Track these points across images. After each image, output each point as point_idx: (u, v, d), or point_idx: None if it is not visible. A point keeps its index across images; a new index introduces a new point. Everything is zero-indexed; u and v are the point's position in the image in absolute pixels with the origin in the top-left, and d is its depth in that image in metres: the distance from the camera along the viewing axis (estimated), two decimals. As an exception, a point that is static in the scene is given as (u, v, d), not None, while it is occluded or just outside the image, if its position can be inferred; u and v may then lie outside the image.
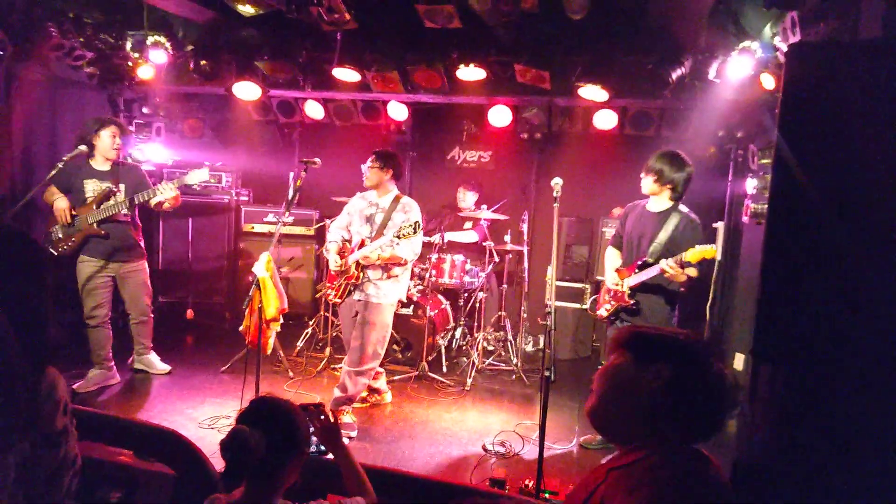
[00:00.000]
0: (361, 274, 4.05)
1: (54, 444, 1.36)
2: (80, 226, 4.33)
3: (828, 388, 1.53)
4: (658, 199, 3.81)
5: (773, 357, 1.58)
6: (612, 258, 4.07)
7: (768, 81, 4.33)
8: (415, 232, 3.81)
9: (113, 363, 4.60)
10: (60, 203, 4.27)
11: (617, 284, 3.83)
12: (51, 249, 4.31)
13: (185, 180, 4.43)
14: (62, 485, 1.37)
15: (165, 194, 4.38)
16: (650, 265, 3.67)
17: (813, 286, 1.51)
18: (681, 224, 3.69)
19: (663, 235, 3.70)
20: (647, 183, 3.78)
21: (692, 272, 3.49)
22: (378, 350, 4.12)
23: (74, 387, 4.37)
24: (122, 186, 4.46)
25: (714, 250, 3.40)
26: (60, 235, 4.32)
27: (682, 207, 3.78)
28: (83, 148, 4.30)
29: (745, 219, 5.32)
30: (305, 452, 1.73)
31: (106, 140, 4.36)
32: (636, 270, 3.73)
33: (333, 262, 4.12)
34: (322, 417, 1.96)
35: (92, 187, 4.38)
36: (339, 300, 4.15)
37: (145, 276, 4.66)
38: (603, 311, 3.96)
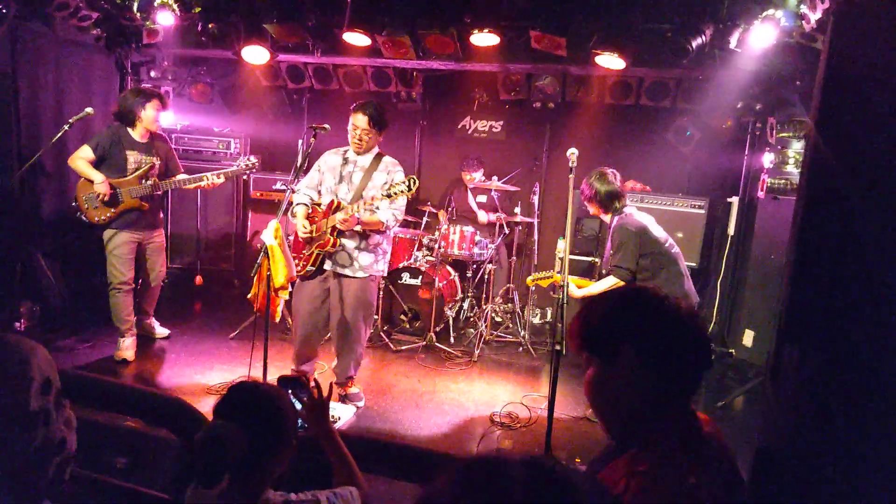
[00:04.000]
0: (337, 241, 3.66)
1: (26, 427, 1.25)
2: (122, 199, 4.34)
3: (860, 372, 1.47)
4: (603, 216, 3.88)
5: (803, 338, 1.52)
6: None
7: (792, 51, 4.19)
8: (408, 190, 3.44)
9: (135, 332, 4.61)
10: (102, 189, 4.24)
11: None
12: (83, 218, 4.33)
13: (234, 171, 4.63)
14: (45, 471, 1.25)
15: (210, 180, 4.52)
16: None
17: (849, 270, 1.44)
18: (616, 226, 3.75)
19: (607, 246, 3.83)
20: (590, 208, 3.89)
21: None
22: (367, 329, 3.90)
23: (122, 356, 4.41)
24: (158, 161, 4.52)
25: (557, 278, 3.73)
26: (97, 207, 4.30)
27: (626, 210, 3.80)
28: (90, 110, 4.27)
29: (760, 193, 5.22)
30: (294, 442, 1.55)
31: (150, 112, 4.40)
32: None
33: (302, 228, 3.72)
34: (309, 391, 1.78)
35: (134, 159, 4.40)
36: (312, 268, 3.72)
37: (163, 244, 4.76)
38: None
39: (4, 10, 4.50)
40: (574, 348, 1.28)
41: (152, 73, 6.22)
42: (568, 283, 3.15)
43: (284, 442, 1.51)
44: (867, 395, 1.36)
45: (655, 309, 1.23)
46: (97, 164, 4.31)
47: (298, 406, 1.73)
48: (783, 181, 4.98)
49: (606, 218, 3.85)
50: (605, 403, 1.27)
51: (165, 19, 5.16)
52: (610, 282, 3.65)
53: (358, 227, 3.65)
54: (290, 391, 1.73)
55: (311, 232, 3.70)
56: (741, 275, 5.51)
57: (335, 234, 3.64)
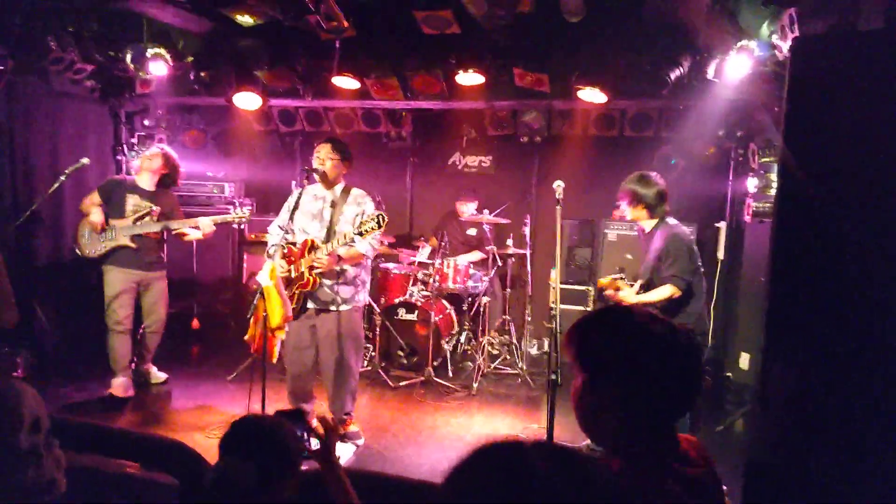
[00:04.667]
0: (317, 280, 3.66)
1: (16, 466, 1.25)
2: (114, 236, 4.49)
3: (841, 386, 1.52)
4: (645, 220, 3.79)
5: (784, 355, 1.57)
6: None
7: (767, 80, 4.34)
8: (378, 226, 3.44)
9: (130, 367, 4.68)
10: (95, 218, 4.47)
11: (615, 290, 3.76)
12: (76, 250, 4.52)
13: (226, 218, 4.69)
14: None
15: (192, 232, 4.65)
16: (638, 285, 3.72)
17: (824, 282, 1.50)
18: (668, 236, 3.64)
19: (651, 255, 3.69)
20: (627, 210, 3.78)
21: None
22: (357, 360, 3.92)
23: (112, 392, 4.48)
24: (157, 210, 4.65)
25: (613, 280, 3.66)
26: (90, 240, 4.49)
27: (670, 220, 3.74)
28: (85, 161, 4.39)
29: (746, 217, 5.31)
30: (298, 471, 1.57)
31: (146, 161, 4.64)
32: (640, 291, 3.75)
33: (280, 268, 3.67)
34: (308, 426, 1.80)
35: (133, 202, 4.57)
36: (296, 307, 3.71)
37: (165, 286, 4.80)
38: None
39: (2, 67, 4.62)
40: (566, 356, 1.30)
41: (146, 122, 6.34)
42: (558, 313, 3.17)
43: (289, 471, 1.53)
44: (849, 404, 1.40)
45: (646, 336, 1.22)
46: (104, 206, 4.54)
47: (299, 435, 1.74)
48: (768, 205, 5.08)
49: (648, 224, 3.76)
50: (585, 415, 1.29)
51: (158, 69, 5.29)
52: (667, 291, 3.54)
53: (337, 264, 3.67)
54: (294, 424, 1.74)
55: (289, 272, 3.71)
56: (733, 299, 5.56)
57: (313, 272, 3.66)
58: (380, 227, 3.46)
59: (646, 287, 3.70)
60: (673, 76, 4.82)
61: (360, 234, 3.47)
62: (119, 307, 4.50)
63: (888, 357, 1.47)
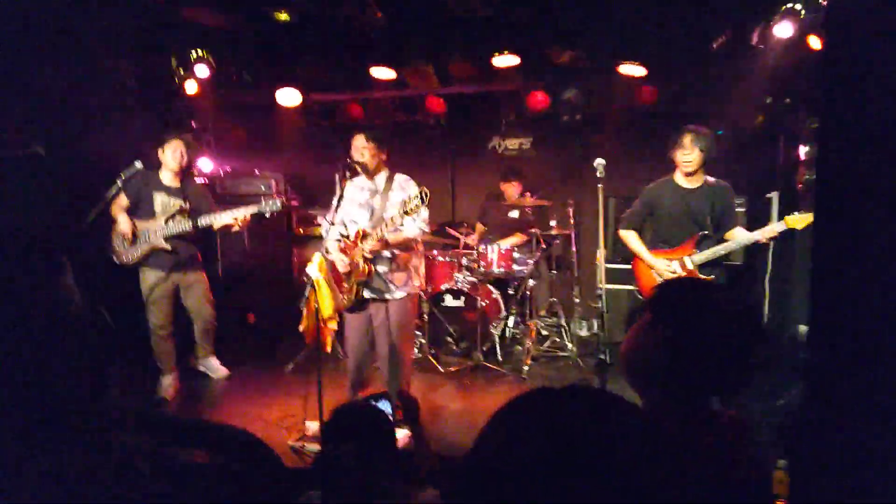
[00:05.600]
0: (371, 268, 3.71)
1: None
2: (148, 239, 4.42)
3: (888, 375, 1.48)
4: (696, 175, 3.82)
5: (829, 343, 1.53)
6: (639, 242, 4.00)
7: (815, 42, 4.18)
8: (423, 202, 3.39)
9: (177, 370, 4.73)
10: (123, 227, 4.38)
11: (673, 271, 3.78)
12: (114, 258, 4.45)
13: (261, 209, 4.44)
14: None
15: (227, 220, 4.44)
16: (711, 239, 3.75)
17: (870, 250, 1.45)
18: (720, 192, 3.78)
19: (712, 210, 3.75)
20: (696, 159, 3.74)
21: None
22: (412, 346, 3.99)
23: (161, 395, 4.54)
24: (186, 205, 4.53)
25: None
26: (125, 246, 4.42)
27: (710, 177, 3.85)
28: (138, 164, 4.40)
29: (799, 186, 5.14)
30: (395, 447, 1.66)
31: (168, 154, 4.46)
32: (697, 246, 3.73)
33: (340, 263, 3.77)
34: (397, 400, 1.94)
35: (161, 201, 4.47)
36: (355, 299, 3.77)
37: (206, 285, 4.76)
38: None
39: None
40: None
41: (193, 124, 6.52)
42: (605, 293, 3.17)
43: (387, 448, 1.62)
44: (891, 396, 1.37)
45: (718, 306, 1.31)
46: (133, 209, 4.45)
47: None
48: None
49: (698, 177, 3.83)
50: (636, 349, 1.37)
51: (202, 71, 5.44)
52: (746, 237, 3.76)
53: (387, 252, 3.71)
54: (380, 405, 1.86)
55: (348, 265, 3.77)
56: (788, 271, 5.41)
57: (368, 262, 3.70)
58: (423, 202, 3.39)
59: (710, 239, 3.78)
60: (716, 44, 4.70)
61: (407, 213, 3.43)
62: (158, 310, 4.50)
63: None
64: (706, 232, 3.78)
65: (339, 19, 4.69)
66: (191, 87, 5.65)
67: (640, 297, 4.15)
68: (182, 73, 5.53)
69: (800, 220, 3.58)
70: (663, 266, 3.83)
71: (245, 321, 6.52)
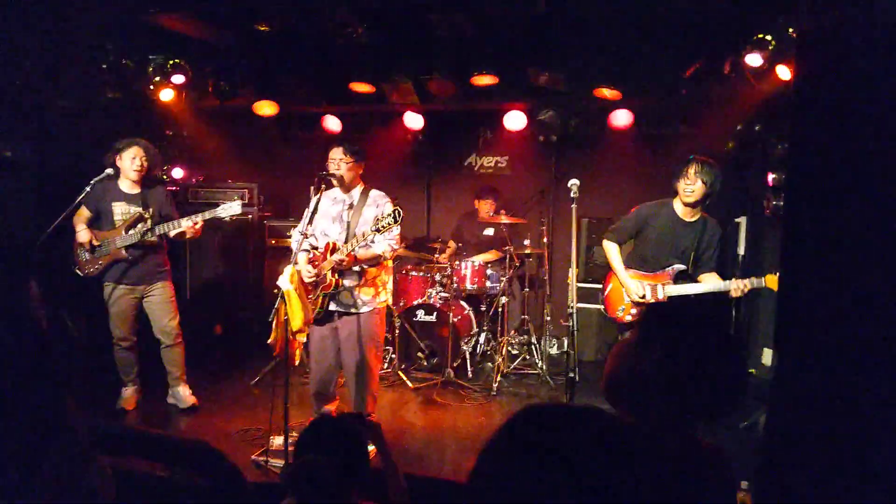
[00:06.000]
0: (339, 281, 3.70)
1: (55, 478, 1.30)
2: (108, 249, 4.30)
3: (854, 379, 1.52)
4: (696, 208, 3.79)
5: (797, 348, 1.57)
6: (618, 257, 3.96)
7: (784, 73, 4.30)
8: (395, 221, 3.44)
9: (139, 381, 4.60)
10: (81, 237, 4.28)
11: (643, 296, 3.77)
12: (76, 270, 4.35)
13: (216, 213, 4.30)
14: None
15: (183, 226, 4.28)
16: (688, 276, 3.74)
17: (836, 274, 1.50)
18: (710, 231, 3.77)
19: (698, 246, 3.75)
20: (698, 190, 3.68)
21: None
22: (378, 361, 3.97)
23: (121, 406, 4.44)
24: (150, 211, 4.39)
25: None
26: (87, 258, 4.33)
27: (707, 214, 3.84)
28: (110, 171, 4.32)
29: (767, 213, 5.26)
30: (369, 469, 1.67)
31: (126, 162, 4.32)
32: (672, 279, 3.76)
33: (306, 273, 3.75)
34: (364, 421, 1.94)
35: (120, 210, 4.35)
36: (321, 311, 3.75)
37: (169, 296, 4.51)
38: (627, 317, 3.86)
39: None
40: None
41: (168, 132, 6.45)
42: (575, 312, 3.18)
43: (363, 468, 1.62)
44: (861, 397, 1.40)
45: (709, 330, 1.33)
46: (95, 220, 4.35)
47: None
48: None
49: (696, 211, 3.80)
50: (619, 370, 1.37)
51: (178, 80, 5.40)
52: (714, 282, 3.72)
53: (356, 266, 3.71)
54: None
55: (315, 276, 3.76)
56: (754, 296, 5.51)
57: (336, 274, 3.69)
58: (396, 221, 3.46)
59: (687, 276, 3.77)
60: (690, 72, 4.81)
61: (378, 230, 3.48)
62: (120, 323, 4.38)
63: None
64: (685, 268, 3.75)
65: (320, 32, 4.70)
66: (166, 95, 5.60)
67: (604, 313, 4.11)
68: (158, 80, 5.47)
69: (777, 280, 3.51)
70: (634, 288, 3.82)
71: (212, 333, 6.43)
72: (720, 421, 1.35)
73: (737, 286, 3.56)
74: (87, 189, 4.25)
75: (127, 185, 4.39)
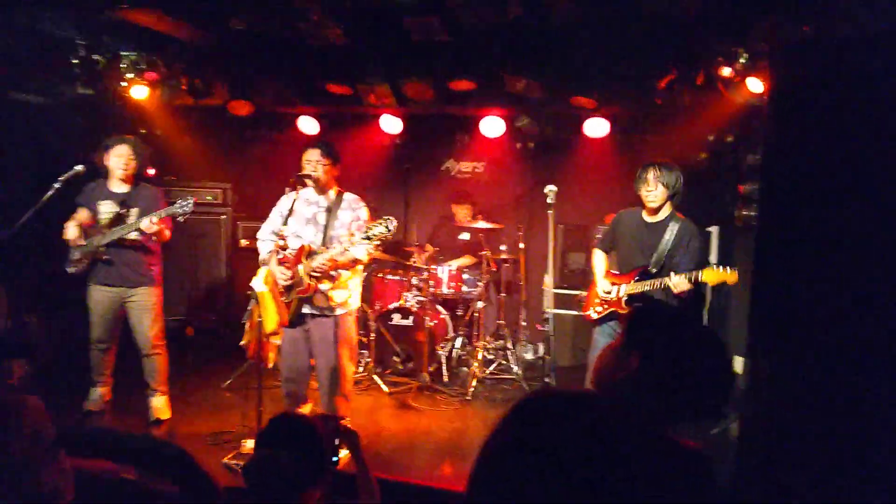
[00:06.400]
0: (315, 286, 3.66)
1: (11, 479, 1.26)
2: (89, 248, 4.17)
3: (826, 382, 1.55)
4: (660, 210, 3.79)
5: (769, 352, 1.60)
6: (601, 262, 4.03)
7: (755, 85, 4.40)
8: (388, 231, 3.41)
9: (111, 382, 4.45)
10: (68, 234, 4.16)
11: (608, 292, 3.82)
12: (66, 268, 4.24)
13: (171, 211, 4.11)
14: None
15: (143, 227, 4.06)
16: (651, 275, 3.70)
17: (807, 280, 1.53)
18: (680, 231, 3.72)
19: (663, 246, 3.71)
20: (659, 195, 3.69)
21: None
22: (352, 365, 3.94)
23: (88, 408, 4.30)
24: (134, 210, 4.25)
25: (735, 275, 3.41)
26: (77, 255, 4.22)
27: (680, 215, 3.80)
28: (79, 168, 4.20)
29: (738, 223, 5.36)
30: (331, 469, 1.66)
31: (113, 160, 4.23)
32: (635, 279, 3.76)
33: (280, 275, 3.69)
34: (339, 426, 1.92)
35: (106, 209, 4.23)
36: (293, 314, 3.69)
37: (150, 303, 4.31)
38: (593, 313, 3.92)
39: None
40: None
41: (142, 131, 6.32)
42: (552, 318, 3.18)
43: (324, 468, 1.61)
44: (833, 402, 1.43)
45: (687, 332, 1.34)
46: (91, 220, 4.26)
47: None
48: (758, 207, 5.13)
49: (663, 213, 3.76)
50: (605, 374, 1.38)
51: (152, 77, 5.31)
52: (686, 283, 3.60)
53: (333, 271, 3.67)
54: (325, 429, 1.84)
55: (290, 279, 3.69)
56: (726, 303, 5.60)
57: (314, 279, 3.64)
58: (389, 231, 3.42)
59: (650, 275, 3.71)
60: (663, 82, 4.89)
61: (369, 238, 3.44)
62: (98, 325, 4.25)
63: (873, 352, 1.51)
64: (650, 267, 3.74)
65: (296, 32, 4.66)
66: (138, 92, 5.49)
67: (582, 312, 4.12)
68: (130, 77, 5.37)
69: (713, 274, 3.47)
70: (602, 288, 3.86)
71: (184, 335, 6.31)
72: (705, 421, 1.36)
73: (677, 282, 3.51)
74: (56, 186, 4.13)
75: (115, 183, 4.28)
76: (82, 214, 4.25)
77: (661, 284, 3.61)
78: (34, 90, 5.15)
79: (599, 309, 3.88)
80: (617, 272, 3.95)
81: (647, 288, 3.68)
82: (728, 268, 3.45)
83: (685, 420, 1.33)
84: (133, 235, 4.15)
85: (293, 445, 1.54)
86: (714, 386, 1.30)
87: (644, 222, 3.85)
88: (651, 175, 3.68)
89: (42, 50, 4.81)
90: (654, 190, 3.68)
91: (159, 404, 4.39)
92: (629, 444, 0.68)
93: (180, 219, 4.14)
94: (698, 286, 3.86)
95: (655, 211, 3.78)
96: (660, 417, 1.29)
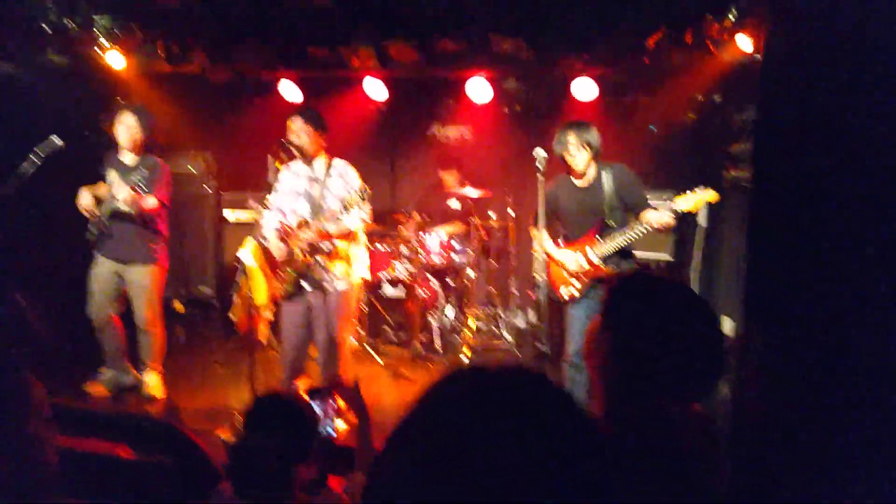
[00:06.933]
0: (310, 259, 3.64)
1: (27, 451, 1.29)
2: (98, 218, 4.15)
3: (824, 352, 1.54)
4: (588, 171, 3.72)
5: (765, 318, 1.59)
6: (548, 239, 3.87)
7: (745, 43, 4.33)
8: (362, 198, 3.42)
9: (126, 362, 4.38)
10: (81, 200, 4.10)
11: (578, 264, 3.70)
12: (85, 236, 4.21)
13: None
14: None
15: (119, 197, 4.01)
16: (612, 227, 3.64)
17: (805, 248, 1.51)
18: (616, 176, 3.66)
19: (609, 199, 3.65)
20: (585, 158, 3.63)
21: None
22: (350, 338, 3.93)
23: (88, 388, 4.23)
24: (136, 181, 4.12)
25: (715, 193, 3.38)
26: (93, 223, 4.18)
27: (603, 164, 3.73)
28: (56, 140, 4.08)
29: (726, 184, 5.35)
30: (318, 450, 1.65)
31: (120, 130, 4.17)
32: (596, 237, 3.67)
33: (278, 250, 3.67)
34: (339, 399, 1.90)
35: (111, 179, 4.14)
36: (291, 289, 3.67)
37: (148, 282, 4.24)
38: (573, 291, 3.76)
39: None
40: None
41: (118, 97, 6.14)
42: (543, 284, 3.15)
43: (312, 448, 1.60)
44: (831, 369, 1.42)
45: (673, 312, 1.28)
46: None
47: (324, 414, 1.83)
48: (749, 170, 5.11)
49: (591, 170, 3.71)
50: (590, 352, 1.37)
51: (128, 42, 5.13)
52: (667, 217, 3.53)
53: (327, 242, 3.63)
54: (319, 402, 1.83)
55: (287, 253, 3.65)
56: (714, 263, 5.62)
57: (307, 252, 3.60)
58: (363, 199, 3.41)
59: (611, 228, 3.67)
60: (652, 41, 4.81)
61: (346, 207, 3.43)
62: (96, 297, 4.19)
63: (871, 329, 1.50)
64: (609, 222, 3.66)
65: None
66: (113, 59, 5.30)
67: (553, 295, 3.92)
68: (103, 43, 5.18)
69: (687, 199, 3.43)
70: (569, 260, 3.74)
71: (171, 309, 6.24)
72: (699, 393, 1.32)
73: (658, 217, 3.45)
74: (32, 157, 4.01)
75: (124, 153, 4.23)
76: (100, 188, 4.17)
77: (634, 232, 3.56)
78: (2, 57, 4.94)
79: (578, 284, 3.75)
80: (569, 241, 3.85)
81: (619, 240, 3.61)
82: (698, 188, 3.42)
83: (675, 391, 1.30)
84: (124, 208, 4.07)
85: (279, 425, 1.52)
86: (703, 354, 1.27)
87: (577, 187, 3.77)
88: (572, 139, 3.61)
89: (8, 13, 4.60)
90: (577, 154, 3.62)
91: (152, 381, 4.33)
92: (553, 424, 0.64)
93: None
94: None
95: (583, 173, 3.71)
96: (648, 389, 1.26)
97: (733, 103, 5.26)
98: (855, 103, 1.77)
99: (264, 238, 3.72)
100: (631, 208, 3.69)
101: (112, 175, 4.14)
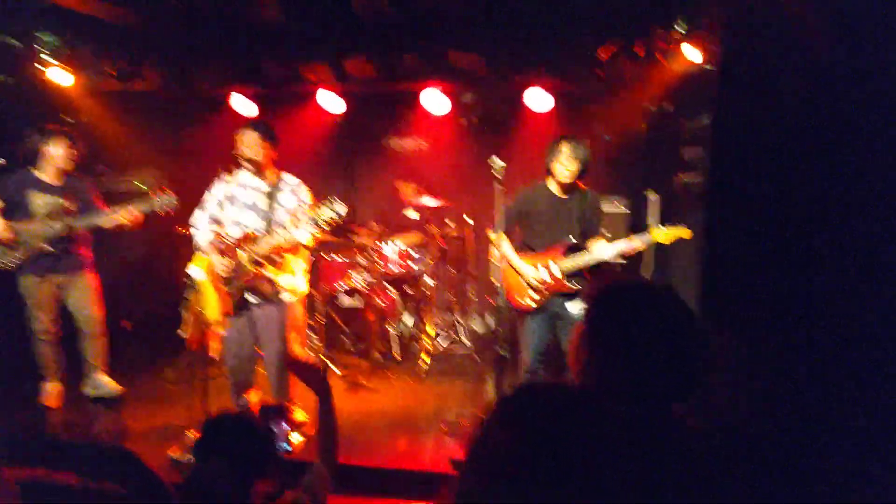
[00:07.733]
0: (260, 272, 3.56)
1: None
2: (32, 243, 4.07)
3: (777, 352, 1.58)
4: (571, 184, 3.77)
5: (720, 319, 1.63)
6: (509, 246, 3.89)
7: (693, 54, 4.46)
8: (339, 216, 3.39)
9: (63, 380, 4.40)
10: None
11: (540, 279, 3.73)
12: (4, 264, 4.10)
13: (152, 205, 4.18)
14: None
15: (113, 219, 4.11)
16: (580, 249, 3.72)
17: (759, 254, 1.56)
18: (591, 201, 3.80)
19: (581, 217, 3.76)
20: (575, 170, 3.68)
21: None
22: (302, 349, 3.87)
23: (43, 401, 4.23)
24: (75, 202, 4.22)
25: (689, 230, 3.50)
26: (4, 251, 4.05)
27: (582, 185, 3.82)
28: None
29: (677, 189, 5.48)
30: (276, 470, 1.60)
31: (57, 150, 4.14)
32: (565, 254, 3.73)
33: (220, 266, 3.57)
34: (294, 412, 1.85)
35: (42, 201, 4.11)
36: (236, 303, 3.58)
37: (92, 286, 4.39)
38: (530, 303, 3.78)
39: None
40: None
41: (65, 116, 5.95)
42: (502, 291, 3.18)
43: (269, 465, 1.55)
44: (785, 369, 1.46)
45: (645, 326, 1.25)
46: (8, 211, 4.07)
47: (279, 431, 1.80)
48: (699, 176, 5.25)
49: (570, 191, 3.78)
50: (573, 362, 1.35)
51: (76, 61, 5.01)
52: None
53: (275, 255, 3.58)
54: (273, 419, 1.79)
55: (231, 269, 3.57)
56: (667, 269, 5.74)
57: (257, 266, 3.53)
58: (339, 215, 3.38)
59: (578, 248, 3.75)
60: (604, 53, 4.91)
61: (317, 224, 3.39)
62: (43, 315, 4.20)
63: (827, 329, 1.55)
64: (575, 241, 3.74)
65: (231, 9, 4.46)
66: (62, 78, 5.14)
67: (508, 304, 3.91)
68: (47, 60, 5.02)
69: (666, 234, 3.54)
70: (531, 273, 3.76)
71: (119, 328, 6.04)
72: (681, 396, 1.30)
73: (627, 246, 3.57)
74: None
75: (50, 174, 4.17)
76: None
77: (602, 253, 3.65)
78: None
79: (536, 297, 3.76)
80: (533, 251, 3.86)
81: (585, 260, 3.68)
82: (675, 226, 3.58)
83: (657, 395, 1.28)
84: (108, 225, 4.14)
85: (231, 448, 1.48)
86: (685, 358, 1.25)
87: (556, 198, 3.81)
88: (567, 149, 3.67)
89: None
90: (569, 165, 3.68)
91: (107, 379, 4.48)
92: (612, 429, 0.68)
93: (159, 211, 4.22)
94: (640, 252, 3.93)
95: (567, 185, 3.76)
96: (629, 393, 1.25)
97: (683, 111, 5.40)
98: (807, 109, 1.84)
99: (202, 252, 3.65)
100: (587, 232, 3.79)
101: (42, 197, 4.12)
